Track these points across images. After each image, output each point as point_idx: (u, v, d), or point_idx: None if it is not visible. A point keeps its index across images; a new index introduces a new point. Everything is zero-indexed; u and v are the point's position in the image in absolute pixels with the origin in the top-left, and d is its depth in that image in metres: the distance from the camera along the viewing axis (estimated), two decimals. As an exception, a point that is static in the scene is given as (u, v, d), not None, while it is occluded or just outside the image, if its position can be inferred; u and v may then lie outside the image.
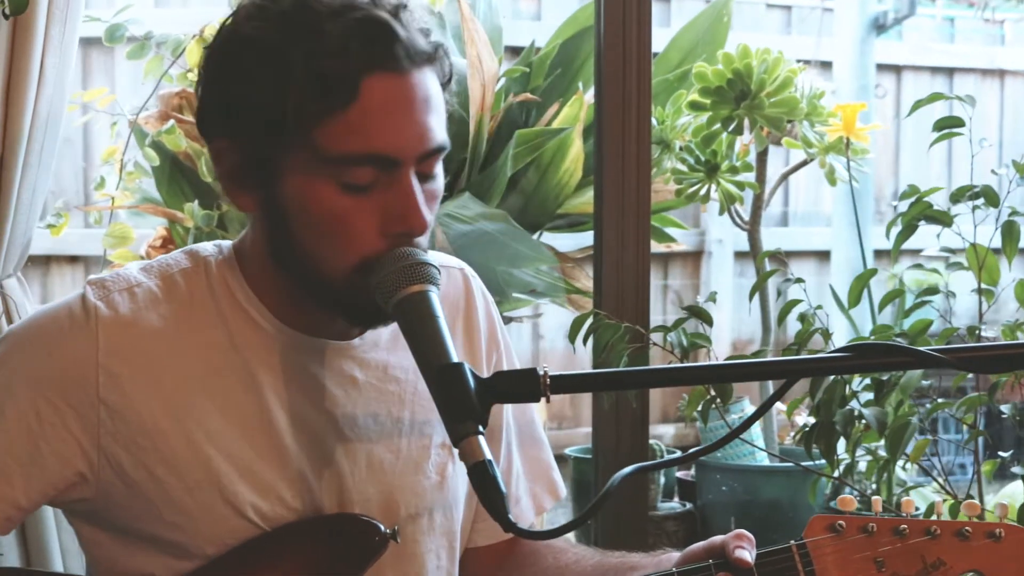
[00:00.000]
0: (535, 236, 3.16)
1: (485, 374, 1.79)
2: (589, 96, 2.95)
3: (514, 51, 3.62)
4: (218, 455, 1.62)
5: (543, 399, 1.49)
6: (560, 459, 2.11)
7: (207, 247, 1.71)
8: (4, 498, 1.61)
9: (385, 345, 1.72)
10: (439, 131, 1.58)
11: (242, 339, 1.64)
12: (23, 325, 1.69)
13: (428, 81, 1.56)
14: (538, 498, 1.92)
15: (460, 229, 2.76)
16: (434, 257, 1.82)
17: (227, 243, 1.72)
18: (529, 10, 5.18)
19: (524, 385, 1.49)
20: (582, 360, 2.77)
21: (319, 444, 1.66)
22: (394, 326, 1.66)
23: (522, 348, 5.09)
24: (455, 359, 1.48)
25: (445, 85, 1.62)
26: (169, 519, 1.62)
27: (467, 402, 1.45)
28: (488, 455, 1.43)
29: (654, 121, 2.85)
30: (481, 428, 1.44)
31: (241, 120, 1.56)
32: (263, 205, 1.60)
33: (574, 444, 3.34)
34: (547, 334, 5.04)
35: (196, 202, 2.89)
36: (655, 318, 4.70)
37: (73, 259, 4.12)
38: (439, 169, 1.61)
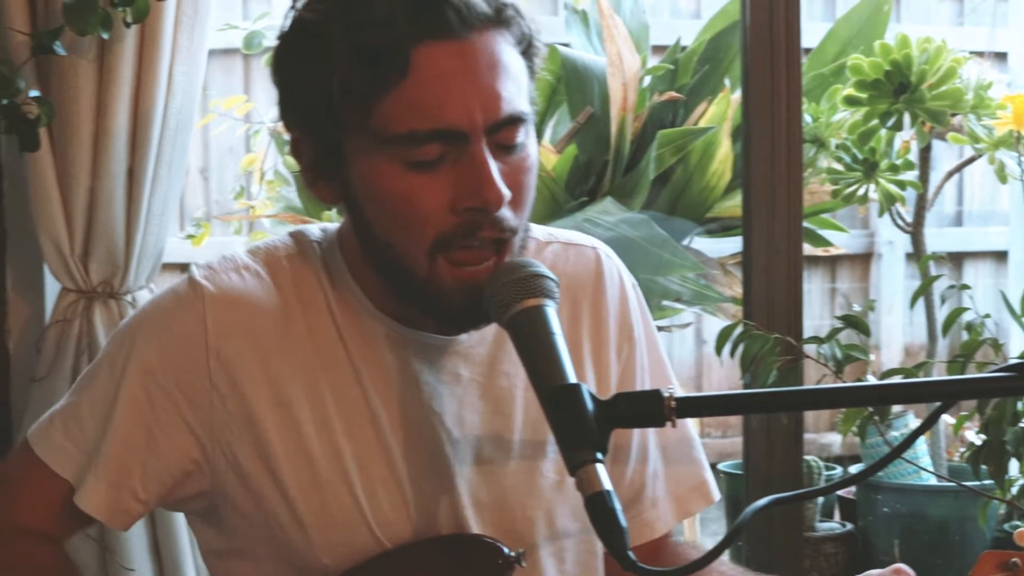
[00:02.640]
0: (685, 240, 3.05)
1: (613, 365, 1.69)
2: (738, 94, 2.82)
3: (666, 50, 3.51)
4: (327, 452, 1.54)
5: (668, 423, 1.37)
6: (712, 471, 1.97)
7: (313, 231, 1.63)
8: (123, 488, 1.55)
9: (492, 339, 1.61)
10: (514, 99, 1.44)
11: (346, 329, 1.56)
12: (133, 313, 1.66)
13: (493, 45, 1.43)
14: (683, 501, 1.76)
15: (601, 235, 2.65)
16: (565, 235, 1.72)
17: (332, 226, 1.63)
18: (688, 8, 5.06)
19: (647, 408, 1.37)
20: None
21: (424, 445, 1.57)
22: None
23: (684, 353, 4.97)
24: (572, 380, 1.37)
25: (526, 52, 1.48)
26: (283, 519, 1.54)
27: (584, 427, 1.33)
28: (607, 485, 1.31)
29: (808, 118, 2.71)
30: (600, 455, 1.33)
31: (302, 108, 1.49)
32: (341, 195, 1.51)
33: (739, 453, 3.18)
34: (711, 339, 4.89)
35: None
36: (822, 323, 4.50)
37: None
38: (523, 138, 1.47)
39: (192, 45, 2.27)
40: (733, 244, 3.18)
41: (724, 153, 2.84)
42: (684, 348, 4.93)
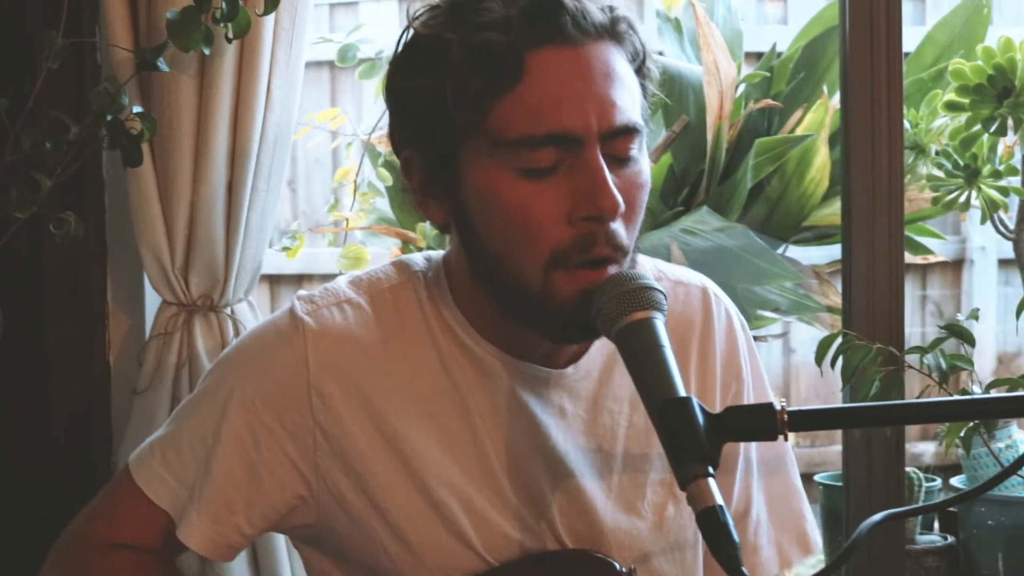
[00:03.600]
0: (780, 250, 3.02)
1: (717, 406, 1.67)
2: (835, 100, 2.78)
3: (757, 57, 3.48)
4: (436, 483, 1.54)
5: (781, 437, 1.35)
6: (807, 481, 1.94)
7: (417, 260, 1.63)
8: (227, 524, 1.58)
9: (598, 375, 1.60)
10: (628, 109, 1.45)
11: (452, 361, 1.56)
12: (234, 346, 1.66)
13: (607, 55, 1.45)
14: (784, 550, 1.75)
15: (698, 245, 2.64)
16: (674, 272, 1.70)
17: (437, 255, 1.63)
18: (775, 14, 5.01)
19: (758, 421, 1.35)
20: (835, 377, 2.60)
21: (529, 477, 1.57)
22: (607, 354, 1.55)
23: (771, 362, 4.92)
24: (682, 393, 1.35)
25: (639, 70, 1.49)
26: (392, 549, 1.55)
27: (695, 441, 1.31)
28: (719, 500, 1.29)
29: (907, 124, 2.66)
30: (711, 470, 1.31)
31: (415, 120, 1.49)
32: (452, 212, 1.51)
33: (827, 463, 3.14)
34: (799, 348, 4.84)
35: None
36: (913, 331, 4.41)
37: (300, 278, 4.12)
38: (637, 152, 1.47)
39: (290, 59, 2.28)
40: (824, 253, 3.14)
41: (822, 161, 2.80)
42: (771, 357, 4.88)
